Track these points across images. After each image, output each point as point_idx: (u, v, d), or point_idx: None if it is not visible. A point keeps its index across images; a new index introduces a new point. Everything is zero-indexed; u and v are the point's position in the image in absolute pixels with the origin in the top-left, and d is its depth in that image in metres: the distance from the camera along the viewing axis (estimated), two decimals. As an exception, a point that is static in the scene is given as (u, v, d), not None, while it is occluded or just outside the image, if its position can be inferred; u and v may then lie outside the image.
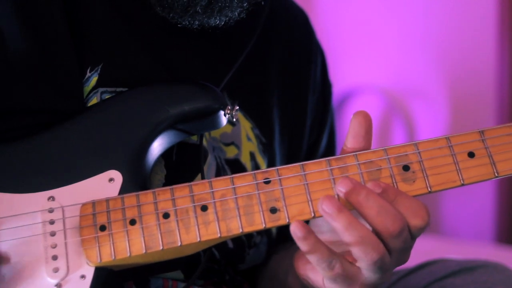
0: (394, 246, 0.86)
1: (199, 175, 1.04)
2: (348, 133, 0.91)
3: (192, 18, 1.01)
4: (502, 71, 3.03)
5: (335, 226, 0.84)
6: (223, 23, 1.03)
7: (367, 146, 0.91)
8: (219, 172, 1.08)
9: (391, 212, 0.85)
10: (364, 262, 0.85)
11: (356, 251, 0.85)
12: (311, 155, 1.24)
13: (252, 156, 1.13)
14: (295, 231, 0.83)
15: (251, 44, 1.12)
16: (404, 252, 0.88)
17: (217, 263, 1.08)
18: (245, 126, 1.13)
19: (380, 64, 3.35)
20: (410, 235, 0.87)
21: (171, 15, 1.01)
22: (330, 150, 1.28)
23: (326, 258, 0.85)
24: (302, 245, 0.84)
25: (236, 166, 1.10)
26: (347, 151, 0.91)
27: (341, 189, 0.86)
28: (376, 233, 0.85)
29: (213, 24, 1.03)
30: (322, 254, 0.85)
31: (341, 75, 3.34)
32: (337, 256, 0.86)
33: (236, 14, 1.04)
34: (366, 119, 0.90)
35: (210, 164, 1.07)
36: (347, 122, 3.57)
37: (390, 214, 0.84)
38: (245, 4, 1.04)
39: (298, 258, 0.93)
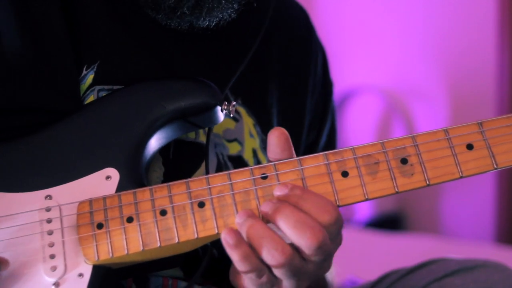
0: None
1: (198, 172, 1.04)
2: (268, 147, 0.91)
3: (180, 19, 1.01)
4: (502, 70, 3.04)
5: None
6: (213, 24, 1.03)
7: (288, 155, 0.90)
8: (221, 168, 1.08)
9: (306, 223, 0.84)
10: (277, 270, 0.84)
11: (266, 257, 0.83)
12: (310, 153, 1.23)
13: (255, 153, 1.12)
14: (226, 238, 0.83)
15: (257, 44, 1.11)
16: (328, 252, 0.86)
17: (216, 261, 1.08)
18: (248, 122, 1.12)
19: (380, 64, 3.35)
20: (328, 234, 0.85)
21: (159, 16, 1.01)
22: (329, 149, 1.28)
23: (256, 268, 0.84)
24: (233, 254, 0.83)
25: (238, 163, 1.10)
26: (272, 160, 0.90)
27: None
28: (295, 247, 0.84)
29: (203, 26, 1.03)
30: (252, 265, 0.83)
31: (341, 75, 3.34)
32: (266, 267, 0.85)
33: (227, 15, 1.03)
34: (282, 134, 0.90)
35: (210, 161, 1.06)
36: (348, 122, 3.59)
37: (305, 225, 0.83)
38: (235, 5, 1.03)
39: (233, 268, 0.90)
